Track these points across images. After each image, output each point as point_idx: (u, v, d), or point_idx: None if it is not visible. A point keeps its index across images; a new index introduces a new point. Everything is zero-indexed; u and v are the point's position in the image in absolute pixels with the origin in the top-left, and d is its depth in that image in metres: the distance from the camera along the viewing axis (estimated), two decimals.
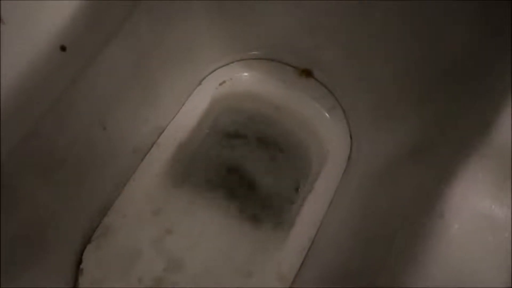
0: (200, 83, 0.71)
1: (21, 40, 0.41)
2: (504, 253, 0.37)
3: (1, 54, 0.40)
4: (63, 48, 0.43)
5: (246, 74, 0.72)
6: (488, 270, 0.36)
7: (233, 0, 0.63)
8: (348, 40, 0.63)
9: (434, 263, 0.37)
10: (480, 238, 0.37)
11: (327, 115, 0.69)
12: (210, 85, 0.71)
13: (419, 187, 0.46)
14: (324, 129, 0.69)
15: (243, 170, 0.67)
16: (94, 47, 0.47)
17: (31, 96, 0.42)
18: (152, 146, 0.67)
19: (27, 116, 0.43)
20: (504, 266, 0.36)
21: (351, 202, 0.61)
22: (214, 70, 0.72)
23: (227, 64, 0.72)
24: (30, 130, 0.44)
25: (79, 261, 0.60)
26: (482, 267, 0.36)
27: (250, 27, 0.67)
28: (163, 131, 0.68)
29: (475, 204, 0.38)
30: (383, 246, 0.45)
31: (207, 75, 0.72)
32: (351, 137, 0.68)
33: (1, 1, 0.41)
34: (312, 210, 0.64)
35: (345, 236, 0.57)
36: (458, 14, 0.50)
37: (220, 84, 0.71)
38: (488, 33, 0.48)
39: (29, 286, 0.50)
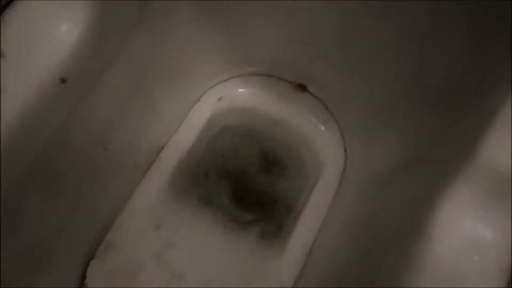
0: (198, 100, 0.73)
1: (22, 73, 0.42)
2: (490, 274, 0.38)
3: (3, 87, 0.41)
4: (63, 80, 0.44)
5: (243, 90, 0.73)
6: None
7: (228, 19, 0.64)
8: (340, 55, 0.64)
9: (422, 284, 0.38)
10: (466, 258, 0.38)
11: (322, 128, 0.71)
12: (209, 101, 0.73)
13: (408, 205, 0.46)
14: (319, 142, 0.70)
15: (242, 184, 0.69)
16: (93, 75, 0.49)
17: (33, 126, 0.43)
18: (153, 162, 0.69)
19: (30, 145, 0.45)
20: (489, 285, 0.37)
21: (347, 214, 0.62)
22: (212, 87, 0.73)
23: (225, 81, 0.73)
24: (33, 155, 0.46)
25: (83, 277, 0.61)
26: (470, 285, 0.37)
27: (245, 44, 0.68)
28: (163, 148, 0.70)
29: (461, 224, 0.39)
30: (375, 263, 0.46)
31: (205, 92, 0.73)
32: (345, 150, 0.70)
33: (2, 36, 0.42)
34: (309, 221, 0.65)
35: (340, 248, 0.58)
36: (449, 30, 0.51)
37: (219, 100, 0.72)
38: (479, 49, 0.49)
39: None
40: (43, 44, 0.43)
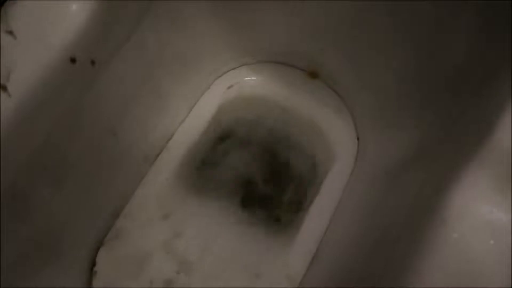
0: (208, 88, 0.72)
1: (32, 52, 0.42)
2: (506, 257, 0.37)
3: (13, 67, 0.41)
4: (72, 60, 0.44)
5: (253, 77, 0.73)
6: (490, 275, 0.36)
7: (239, 6, 0.64)
8: (351, 43, 0.63)
9: (436, 269, 0.37)
10: (482, 243, 0.37)
11: (334, 116, 0.70)
12: (218, 89, 0.72)
13: (422, 192, 0.46)
14: (331, 131, 0.69)
15: (251, 172, 0.68)
16: (103, 58, 0.49)
17: (42, 106, 0.43)
18: (161, 150, 0.68)
19: (38, 127, 0.45)
20: (506, 270, 0.36)
21: (357, 205, 0.61)
22: (222, 75, 0.73)
23: (234, 68, 0.73)
24: (42, 140, 0.46)
25: (93, 264, 0.61)
26: (484, 271, 0.36)
27: (256, 31, 0.68)
28: (172, 136, 0.69)
29: (476, 209, 0.38)
30: (387, 251, 0.46)
31: (214, 80, 0.73)
32: (357, 139, 0.69)
33: (12, 17, 0.42)
34: (319, 211, 0.65)
35: (350, 239, 0.57)
36: (460, 20, 0.50)
37: (228, 88, 0.72)
38: (490, 38, 0.48)
39: (44, 287, 0.52)
40: (52, 24, 0.43)
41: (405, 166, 0.55)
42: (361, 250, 0.53)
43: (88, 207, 0.59)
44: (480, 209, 0.38)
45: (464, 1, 0.49)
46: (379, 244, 0.49)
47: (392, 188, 0.55)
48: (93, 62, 0.46)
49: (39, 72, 0.42)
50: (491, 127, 0.40)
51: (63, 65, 0.43)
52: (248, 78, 0.73)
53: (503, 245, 0.37)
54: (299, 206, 0.66)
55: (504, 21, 0.46)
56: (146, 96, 0.62)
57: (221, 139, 0.70)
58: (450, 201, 0.39)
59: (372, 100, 0.66)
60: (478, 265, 0.37)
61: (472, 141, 0.42)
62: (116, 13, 0.48)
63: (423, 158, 0.52)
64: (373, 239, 0.52)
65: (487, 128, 0.40)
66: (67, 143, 0.51)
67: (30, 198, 0.48)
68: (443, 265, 0.37)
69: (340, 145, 0.68)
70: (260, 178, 0.68)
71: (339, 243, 0.60)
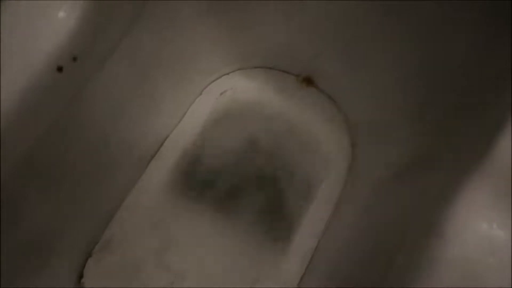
0: (201, 93, 0.71)
1: (18, 60, 0.41)
2: (506, 274, 0.36)
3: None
4: (59, 68, 0.42)
5: (247, 83, 0.71)
6: None
7: (232, 10, 0.62)
8: (347, 49, 0.63)
9: (434, 281, 0.37)
10: (481, 259, 0.37)
11: (328, 123, 0.69)
12: (212, 94, 0.71)
13: (420, 203, 0.45)
14: (326, 138, 0.68)
15: (245, 178, 0.67)
16: (91, 65, 0.47)
17: (30, 115, 0.42)
18: (153, 157, 0.67)
19: (27, 134, 0.43)
20: (506, 286, 0.36)
21: (353, 213, 0.61)
22: (215, 80, 0.72)
23: (228, 74, 0.72)
24: (31, 147, 0.44)
25: (80, 275, 0.60)
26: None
27: (250, 36, 0.67)
28: (164, 141, 0.68)
29: (475, 224, 0.38)
30: (384, 261, 0.45)
31: (208, 85, 0.71)
32: (352, 146, 0.68)
33: None
34: (315, 218, 0.64)
35: (347, 246, 0.57)
36: (461, 26, 0.50)
37: (221, 94, 0.71)
38: (490, 46, 0.48)
39: None
40: (39, 31, 0.42)
41: (401, 175, 0.54)
42: (358, 259, 0.53)
43: (77, 215, 0.58)
44: (479, 225, 0.38)
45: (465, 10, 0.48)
46: (377, 254, 0.49)
47: (388, 197, 0.55)
48: (74, 59, 0.44)
49: (26, 80, 0.40)
50: (491, 142, 0.39)
51: (49, 73, 0.42)
52: (242, 83, 0.71)
53: (503, 262, 0.37)
54: (293, 214, 0.65)
55: (506, 29, 0.45)
56: (139, 101, 0.61)
57: (214, 145, 0.69)
58: (448, 216, 0.38)
59: (367, 105, 0.65)
60: (477, 283, 0.36)
61: (472, 153, 0.41)
62: (106, 20, 0.46)
63: (420, 169, 0.51)
64: (371, 248, 0.51)
65: (487, 141, 0.40)
66: (57, 149, 0.49)
67: (17, 203, 0.47)
68: (441, 281, 0.37)
69: (334, 152, 0.68)
70: (254, 185, 0.66)
71: (335, 251, 0.59)
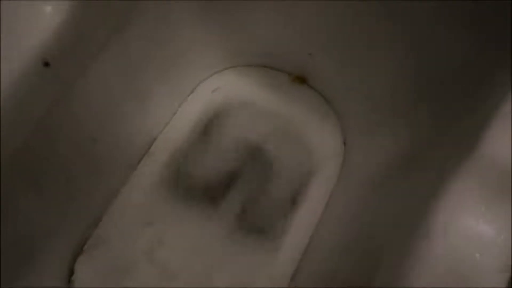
0: (192, 91, 0.71)
1: (3, 54, 0.40)
2: (492, 272, 0.36)
3: None
4: (46, 64, 0.42)
5: (239, 80, 0.71)
6: None
7: (225, 8, 0.62)
8: (341, 48, 0.62)
9: (422, 280, 0.36)
10: (467, 256, 0.36)
11: (320, 121, 0.69)
12: (203, 92, 0.70)
13: (408, 202, 0.45)
14: (318, 136, 0.68)
15: (234, 178, 0.67)
16: (79, 62, 0.47)
17: (15, 112, 0.42)
18: (144, 156, 0.67)
19: (12, 133, 0.43)
20: (492, 284, 0.36)
21: (344, 211, 0.60)
22: (207, 78, 0.71)
23: (220, 71, 0.71)
24: (18, 146, 0.44)
25: (71, 273, 0.59)
26: (471, 285, 0.36)
27: (242, 34, 0.67)
28: (155, 140, 0.68)
29: (461, 221, 0.37)
30: (371, 261, 0.45)
31: (199, 83, 0.71)
32: (344, 144, 0.68)
33: None
34: (305, 218, 0.64)
35: (337, 246, 0.56)
36: (452, 23, 0.50)
37: (213, 91, 0.70)
38: (482, 44, 0.48)
39: None
40: (25, 26, 0.41)
41: (390, 174, 0.54)
42: (347, 259, 0.52)
43: (67, 213, 0.57)
44: (465, 221, 0.37)
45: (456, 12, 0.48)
46: (366, 254, 0.48)
47: (378, 196, 0.55)
48: (62, 54, 0.44)
49: (11, 76, 0.40)
50: (477, 139, 0.39)
51: (36, 68, 0.41)
52: (234, 81, 0.71)
53: (490, 259, 0.36)
54: (284, 212, 0.65)
55: (497, 28, 0.45)
56: (129, 99, 0.60)
57: (205, 144, 0.69)
58: (434, 213, 0.38)
59: (359, 105, 0.65)
60: (464, 279, 0.36)
61: (458, 152, 0.41)
62: (95, 17, 0.46)
63: (409, 168, 0.51)
64: (360, 248, 0.51)
65: (473, 140, 0.40)
66: (44, 149, 0.49)
67: (6, 202, 0.46)
68: (429, 280, 0.36)
69: (327, 150, 0.67)
70: (245, 183, 0.66)
71: (325, 251, 0.59)
